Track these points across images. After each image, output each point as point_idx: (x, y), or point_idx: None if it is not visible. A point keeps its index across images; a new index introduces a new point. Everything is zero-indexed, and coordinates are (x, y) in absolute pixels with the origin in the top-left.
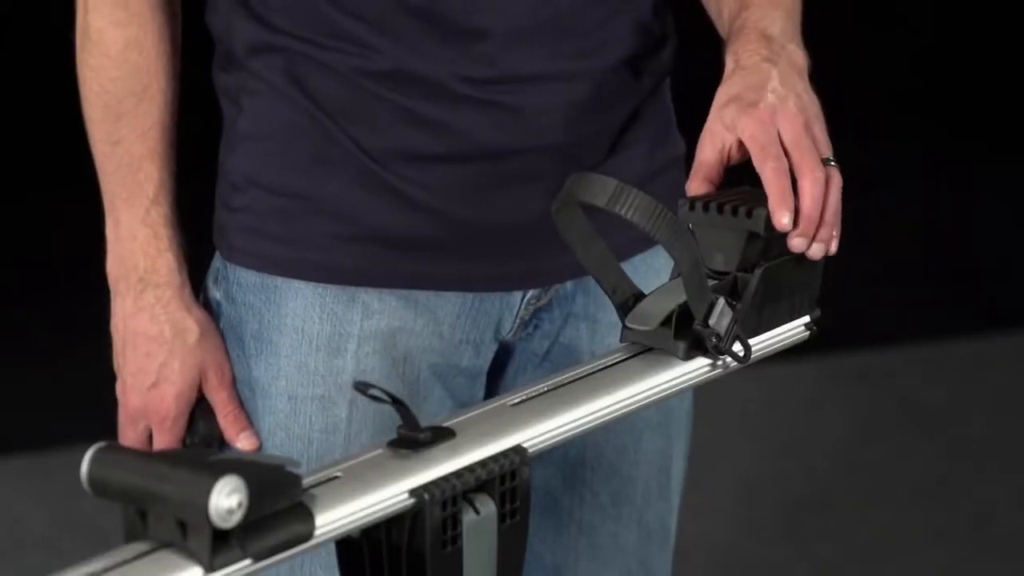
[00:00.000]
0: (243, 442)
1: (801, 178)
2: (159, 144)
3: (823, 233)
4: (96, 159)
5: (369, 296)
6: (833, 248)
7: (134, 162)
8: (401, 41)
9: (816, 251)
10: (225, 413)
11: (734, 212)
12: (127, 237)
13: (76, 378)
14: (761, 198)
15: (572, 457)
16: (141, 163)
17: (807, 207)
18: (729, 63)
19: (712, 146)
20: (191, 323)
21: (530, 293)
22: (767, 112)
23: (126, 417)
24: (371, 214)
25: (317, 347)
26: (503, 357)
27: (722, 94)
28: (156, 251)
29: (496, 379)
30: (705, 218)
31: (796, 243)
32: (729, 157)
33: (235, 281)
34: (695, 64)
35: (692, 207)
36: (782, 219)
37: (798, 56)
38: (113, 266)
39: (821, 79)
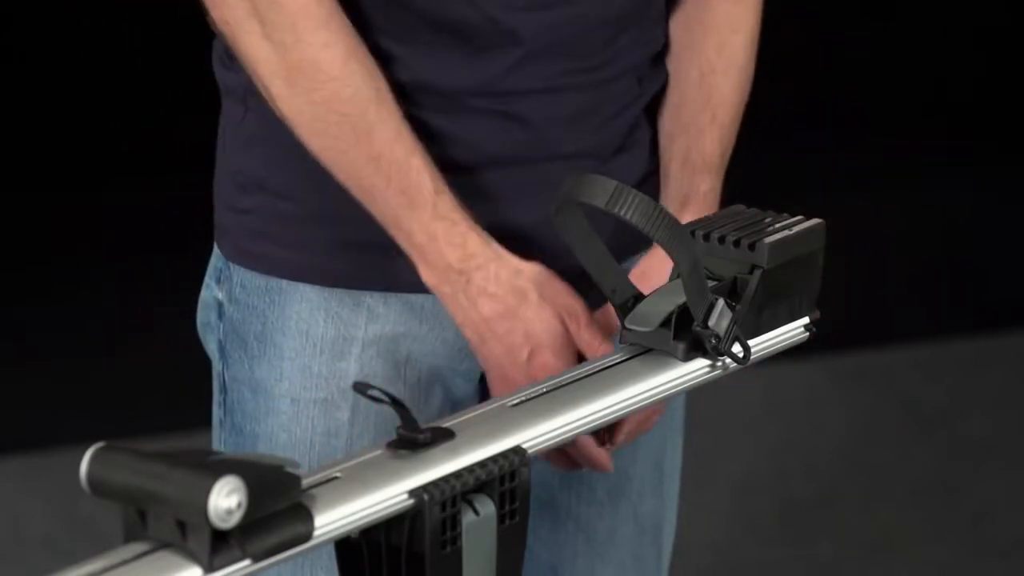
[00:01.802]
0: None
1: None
2: (411, 136)
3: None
4: (360, 188)
5: (374, 300)
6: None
7: (402, 167)
8: (418, 54)
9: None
10: (592, 352)
11: (736, 244)
12: (426, 241)
13: (76, 378)
14: (758, 225)
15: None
16: (409, 162)
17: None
18: (678, 198)
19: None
20: (526, 283)
21: None
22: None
23: None
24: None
25: (321, 350)
26: None
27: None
28: (461, 238)
29: None
30: (704, 247)
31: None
32: None
33: (239, 282)
34: None
35: (691, 235)
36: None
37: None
38: (429, 275)
39: (823, 82)
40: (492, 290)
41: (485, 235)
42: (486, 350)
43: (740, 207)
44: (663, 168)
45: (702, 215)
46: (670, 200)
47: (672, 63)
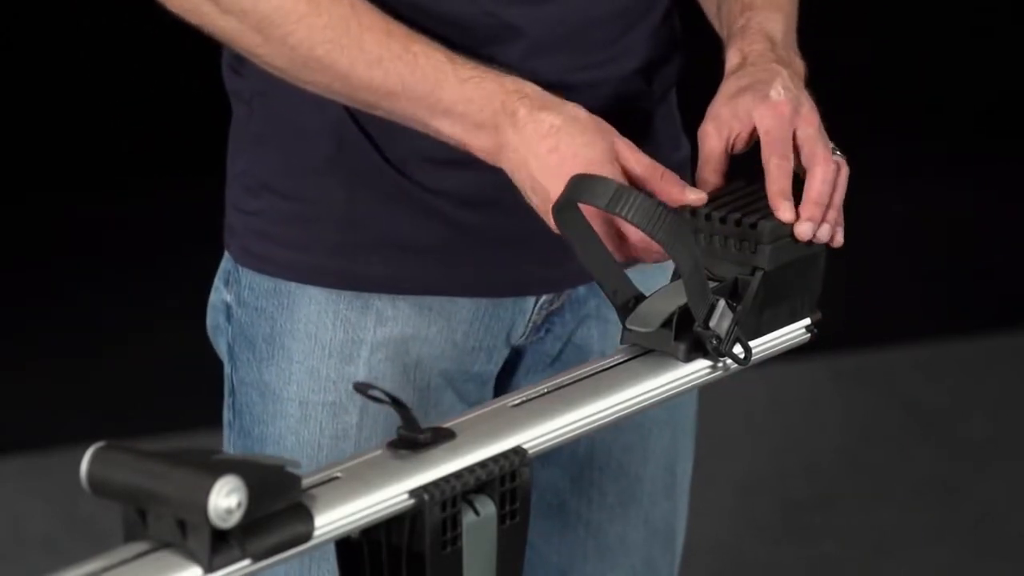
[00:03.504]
0: (693, 195)
1: (813, 165)
2: (401, 27)
3: (830, 216)
4: (382, 100)
5: (383, 302)
6: (839, 240)
7: (407, 59)
8: None
9: (823, 234)
10: (655, 177)
11: (737, 246)
12: (466, 105)
13: (76, 378)
14: (758, 222)
15: (580, 457)
16: (412, 50)
17: (816, 191)
18: (734, 58)
19: (719, 135)
20: (573, 108)
21: (543, 298)
22: (787, 107)
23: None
24: (385, 220)
25: (330, 353)
26: (514, 358)
27: (731, 86)
28: (495, 82)
29: (506, 380)
30: (705, 248)
31: (803, 229)
32: (733, 147)
33: (247, 285)
34: (697, 68)
35: (693, 236)
36: (784, 213)
37: (800, 64)
38: (482, 139)
39: (823, 83)
40: (537, 114)
41: (513, 78)
42: (531, 184)
43: (737, 213)
44: (722, 31)
45: (738, 47)
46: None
47: None
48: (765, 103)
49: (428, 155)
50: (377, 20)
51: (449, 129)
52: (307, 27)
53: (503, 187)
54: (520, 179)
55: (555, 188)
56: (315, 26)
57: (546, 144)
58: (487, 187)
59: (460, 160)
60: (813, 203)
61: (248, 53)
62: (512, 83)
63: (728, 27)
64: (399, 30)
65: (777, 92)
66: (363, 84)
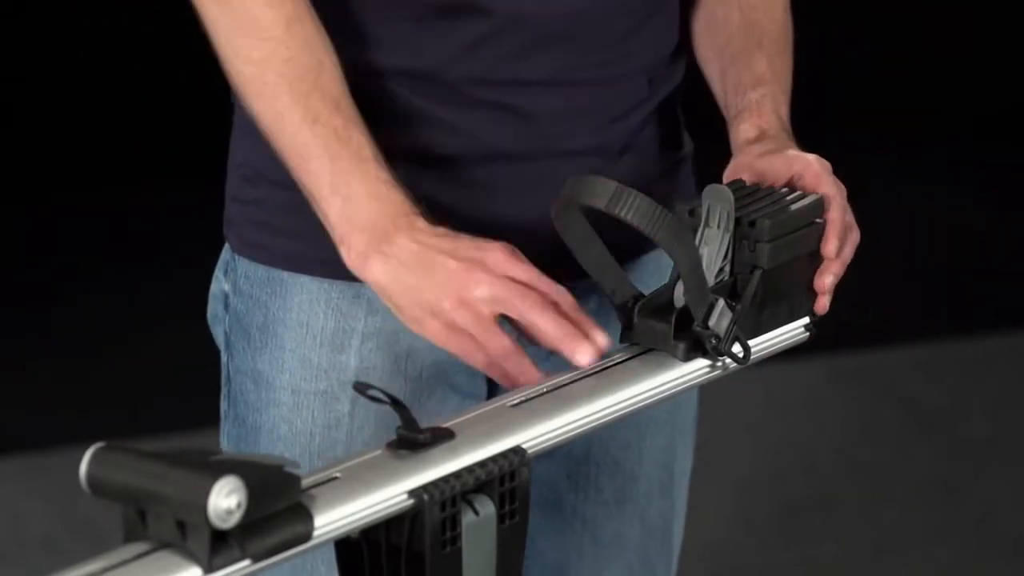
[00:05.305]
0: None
1: (851, 232)
2: (353, 113)
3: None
4: (295, 152)
5: (373, 293)
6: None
7: (341, 133)
8: (422, 39)
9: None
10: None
11: (737, 246)
12: (371, 199)
13: (76, 378)
14: (760, 209)
15: (576, 453)
16: (349, 132)
17: (847, 257)
18: (751, 131)
19: (749, 177)
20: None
21: None
22: (820, 165)
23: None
24: None
25: (321, 342)
26: None
27: (755, 150)
28: (406, 195)
29: None
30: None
31: (827, 281)
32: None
33: (243, 273)
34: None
35: (692, 236)
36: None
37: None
38: (362, 242)
39: (825, 84)
40: (435, 228)
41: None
42: (425, 283)
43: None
44: (721, 103)
45: (755, 122)
46: (730, 122)
47: (715, 10)
48: (800, 160)
49: (423, 151)
50: (336, 89)
51: (336, 216)
52: (271, 51)
53: (497, 184)
54: (392, 282)
55: (415, 298)
56: (278, 54)
57: (440, 245)
58: (481, 184)
59: (455, 156)
60: (842, 266)
61: (218, 52)
62: (416, 205)
63: (737, 96)
64: (350, 110)
65: (806, 156)
66: (291, 131)
